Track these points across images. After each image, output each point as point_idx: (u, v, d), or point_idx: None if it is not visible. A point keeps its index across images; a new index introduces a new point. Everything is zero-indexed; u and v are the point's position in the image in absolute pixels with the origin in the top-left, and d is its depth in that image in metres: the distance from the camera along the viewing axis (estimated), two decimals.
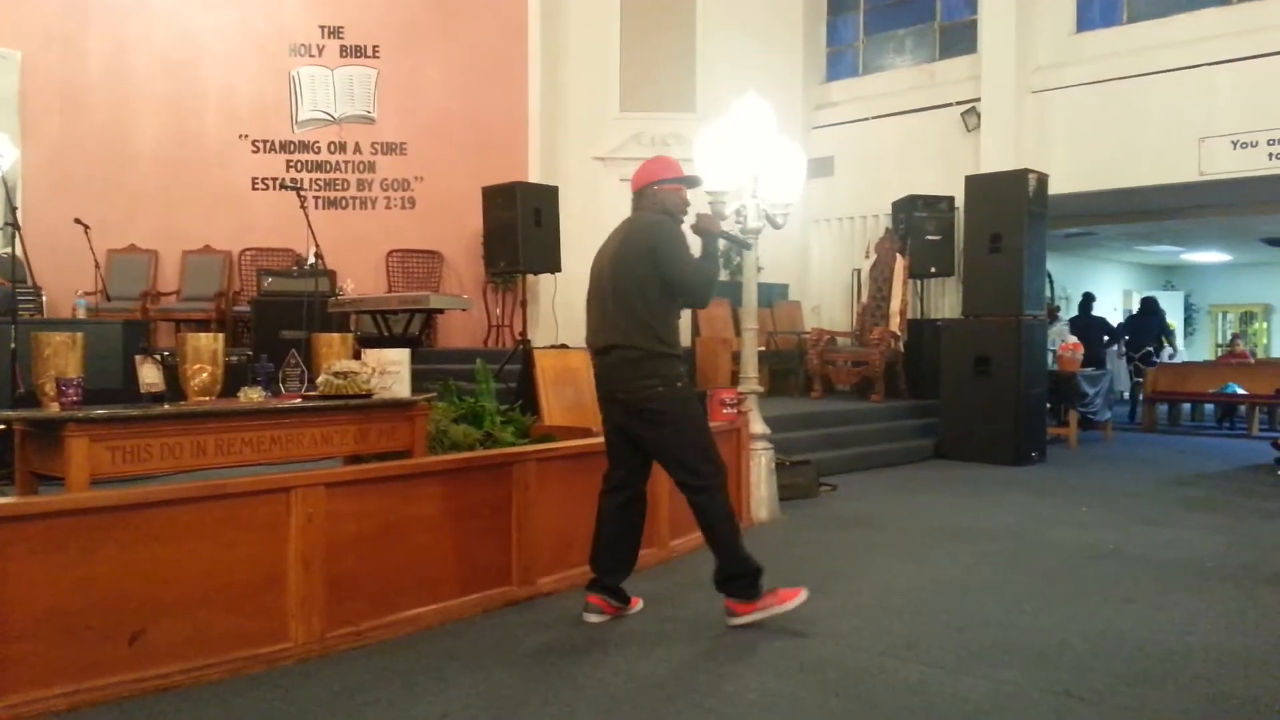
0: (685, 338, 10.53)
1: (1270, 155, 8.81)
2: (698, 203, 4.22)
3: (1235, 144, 8.97)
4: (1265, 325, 18.34)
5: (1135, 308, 18.03)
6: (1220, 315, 18.89)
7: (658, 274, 3.67)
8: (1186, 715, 2.90)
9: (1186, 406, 12.77)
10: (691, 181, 4.03)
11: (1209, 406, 12.67)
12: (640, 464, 3.84)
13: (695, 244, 3.90)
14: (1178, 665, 3.34)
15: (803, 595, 3.77)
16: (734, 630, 3.68)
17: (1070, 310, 14.94)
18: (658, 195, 3.88)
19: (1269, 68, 8.79)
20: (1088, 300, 13.11)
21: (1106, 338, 12.69)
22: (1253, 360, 13.15)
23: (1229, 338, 15.91)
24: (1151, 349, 13.00)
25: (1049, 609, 4.03)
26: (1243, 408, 11.87)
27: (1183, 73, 9.29)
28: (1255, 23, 8.93)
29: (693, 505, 3.72)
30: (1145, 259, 18.12)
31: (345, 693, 3.05)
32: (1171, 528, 5.75)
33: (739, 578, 3.69)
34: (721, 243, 4.08)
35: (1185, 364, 13.62)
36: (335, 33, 11.03)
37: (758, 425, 5.90)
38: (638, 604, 3.93)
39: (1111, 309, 17.71)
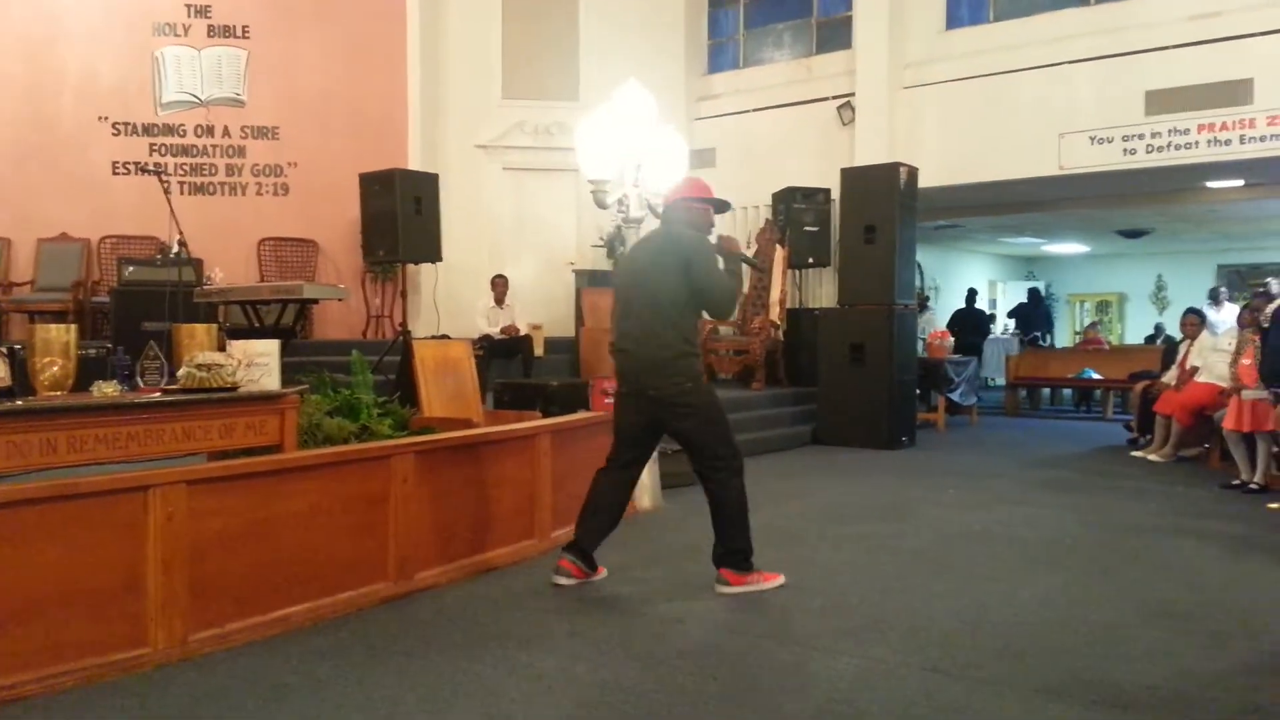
0: (570, 328, 10.66)
1: (1124, 150, 9.27)
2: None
3: (1093, 139, 9.41)
4: (1120, 313, 19.37)
5: (999, 298, 18.99)
6: (1078, 304, 19.85)
7: (688, 283, 4.02)
8: (1048, 687, 3.03)
9: (1046, 391, 13.41)
10: (720, 206, 4.40)
11: (1067, 391, 13.35)
12: (649, 449, 4.43)
13: None
14: (1040, 639, 3.49)
15: (780, 580, 4.15)
16: (614, 616, 3.70)
17: (940, 299, 15.55)
18: (689, 211, 4.27)
19: (1124, 67, 9.24)
20: (972, 295, 14.20)
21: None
22: (1107, 347, 13.87)
23: (1086, 325, 16.75)
24: (1039, 334, 13.92)
25: (918, 588, 4.17)
26: (1099, 392, 12.53)
27: (1045, 70, 9.68)
28: (1112, 23, 9.37)
29: (713, 485, 4.14)
30: (1008, 250, 18.89)
31: (207, 698, 2.93)
32: (1033, 507, 6.02)
33: (740, 553, 4.10)
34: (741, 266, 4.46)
35: (1045, 350, 14.30)
36: (202, 11, 10.57)
37: None
38: (603, 572, 4.25)
39: (977, 299, 18.45)
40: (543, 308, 10.43)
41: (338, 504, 3.78)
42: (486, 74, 11.22)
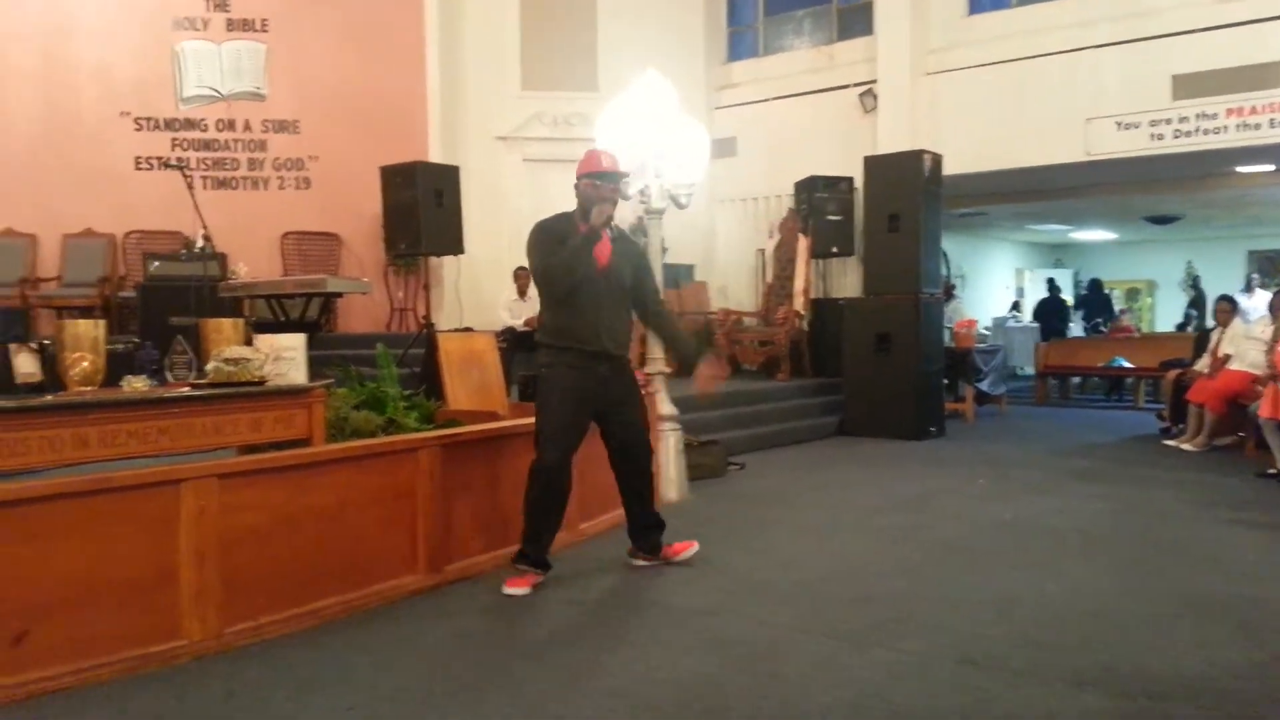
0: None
1: (1152, 136, 9.16)
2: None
3: (1119, 125, 9.30)
4: (1150, 301, 19.15)
5: (1027, 285, 18.86)
6: (1107, 291, 19.66)
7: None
8: (1081, 678, 3.00)
9: (1076, 380, 13.30)
10: (603, 176, 4.09)
11: (1098, 380, 13.22)
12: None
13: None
14: (1071, 630, 3.46)
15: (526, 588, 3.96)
16: (645, 609, 3.69)
17: (967, 287, 15.50)
18: (576, 192, 4.13)
19: (1150, 51, 9.12)
20: (1053, 285, 15.79)
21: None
22: (1138, 334, 13.74)
23: (1116, 313, 16.60)
24: (1100, 320, 14.06)
25: (948, 579, 4.14)
26: (1129, 381, 12.40)
27: (1070, 55, 9.58)
28: (1137, 7, 9.24)
29: None
30: (1035, 237, 18.73)
31: (243, 690, 2.94)
32: (1064, 497, 5.96)
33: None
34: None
35: (1074, 339, 14.19)
36: (221, 5, 10.58)
37: (665, 406, 5.91)
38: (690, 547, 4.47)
39: (1004, 287, 18.32)
40: None
41: (366, 497, 3.79)
42: (505, 65, 11.21)
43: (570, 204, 4.11)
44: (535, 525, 3.99)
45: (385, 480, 3.87)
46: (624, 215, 10.52)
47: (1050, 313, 14.90)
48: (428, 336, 6.91)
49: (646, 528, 4.35)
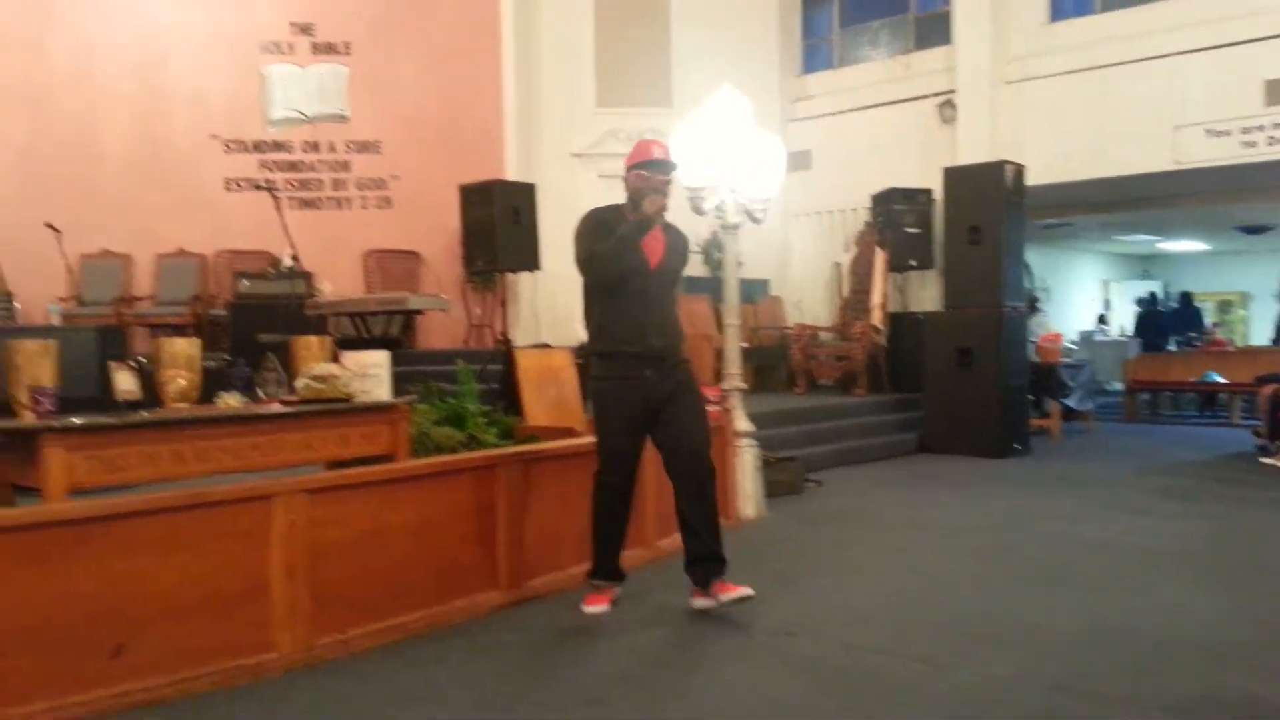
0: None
1: (1243, 143, 8.87)
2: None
3: (1209, 132, 9.03)
4: (1243, 313, 18.48)
5: (1114, 297, 18.37)
6: (1198, 304, 19.01)
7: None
8: (1181, 707, 2.90)
9: (1167, 395, 12.89)
10: (655, 166, 3.87)
11: (1190, 395, 12.79)
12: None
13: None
14: (1169, 656, 3.34)
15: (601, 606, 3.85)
16: (725, 629, 3.67)
17: (1052, 300, 15.15)
18: (625, 184, 3.94)
19: (1240, 56, 8.84)
20: (1153, 297, 15.50)
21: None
22: (1231, 348, 13.25)
23: (1207, 326, 16.05)
24: (1193, 334, 14.01)
25: (1037, 601, 4.03)
26: (1223, 396, 11.97)
27: (1156, 61, 9.33)
28: (1225, 11, 8.98)
29: None
30: (1122, 248, 18.22)
31: (334, 702, 3.00)
32: (1156, 517, 5.77)
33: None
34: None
35: (1165, 353, 13.75)
36: (306, 29, 10.90)
37: (742, 422, 5.88)
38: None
39: (1090, 299, 17.85)
40: None
41: (448, 512, 3.84)
42: (580, 83, 11.32)
43: None
44: (601, 541, 3.91)
45: (467, 496, 3.92)
46: (698, 230, 10.60)
47: (1151, 326, 14.49)
48: (505, 353, 6.99)
49: (701, 559, 3.83)
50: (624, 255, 3.77)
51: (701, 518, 3.80)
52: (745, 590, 3.79)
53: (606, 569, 3.92)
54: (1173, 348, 14.22)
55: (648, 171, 3.84)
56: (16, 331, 7.32)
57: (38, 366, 3.43)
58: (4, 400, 4.13)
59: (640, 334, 3.78)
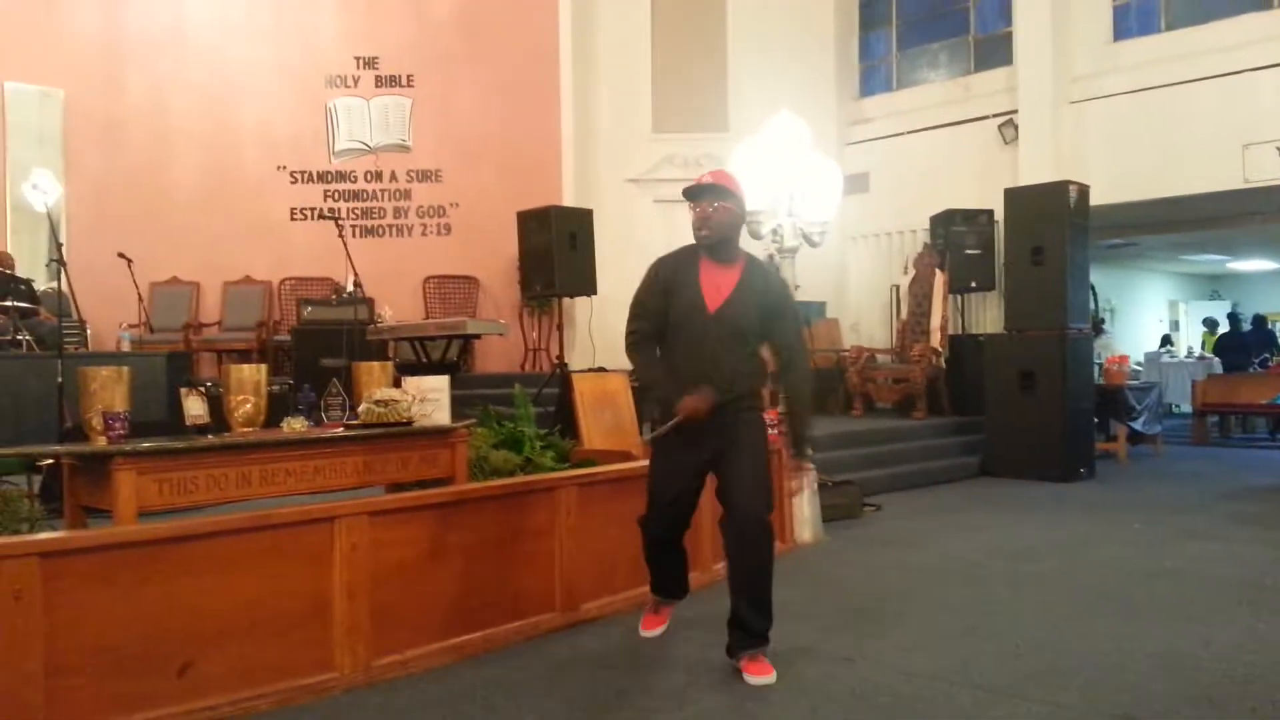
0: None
1: None
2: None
3: None
4: None
5: (1181, 319, 17.95)
6: (1271, 325, 18.46)
7: None
8: None
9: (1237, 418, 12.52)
10: (691, 195, 3.53)
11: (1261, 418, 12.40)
12: None
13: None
14: (1243, 687, 3.23)
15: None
16: (783, 655, 3.63)
17: (1117, 321, 14.84)
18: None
19: None
20: (1234, 317, 14.85)
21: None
22: None
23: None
24: (1268, 355, 13.70)
25: (1103, 629, 3.93)
26: None
27: (1224, 79, 9.15)
28: None
29: None
30: (1190, 268, 17.81)
31: None
32: (1228, 544, 5.60)
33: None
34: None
35: (1235, 375, 13.37)
36: (370, 63, 11.17)
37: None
38: None
39: (1157, 320, 17.45)
40: None
41: (506, 535, 3.87)
42: (636, 109, 11.42)
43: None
44: (652, 565, 3.76)
45: (524, 519, 3.95)
46: (754, 254, 10.59)
47: (1235, 346, 14.04)
48: (562, 376, 7.04)
49: (736, 625, 3.45)
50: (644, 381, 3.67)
51: (745, 583, 3.39)
52: (771, 678, 3.33)
53: (663, 588, 3.81)
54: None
55: (693, 202, 3.52)
56: (90, 358, 7.56)
57: (111, 392, 3.54)
58: (78, 424, 4.27)
59: (696, 382, 3.38)
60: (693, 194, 3.50)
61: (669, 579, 3.77)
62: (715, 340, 3.41)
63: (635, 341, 3.53)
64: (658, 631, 3.79)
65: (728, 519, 3.43)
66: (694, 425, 3.36)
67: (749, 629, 3.40)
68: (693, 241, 3.56)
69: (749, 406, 3.50)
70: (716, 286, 3.45)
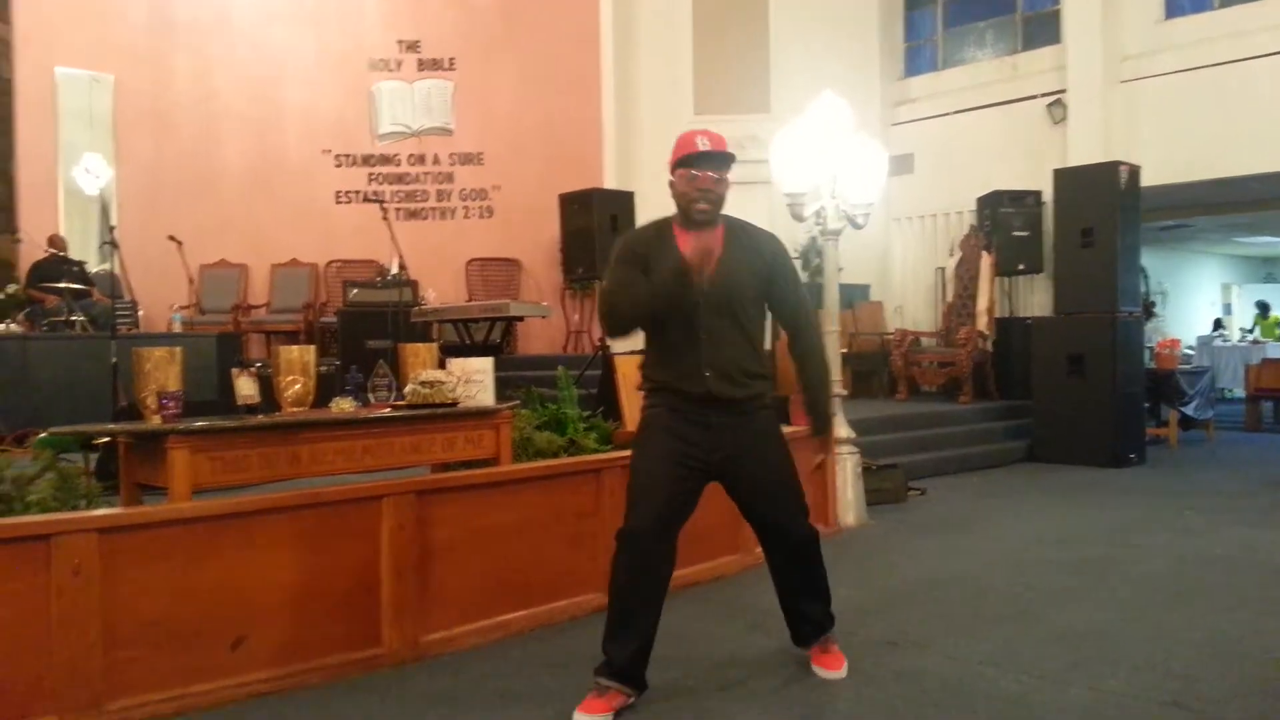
0: (765, 339, 10.54)
1: None
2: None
3: None
4: None
5: (1234, 301, 17.57)
6: None
7: None
8: None
9: None
10: (701, 162, 2.96)
11: None
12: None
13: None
14: None
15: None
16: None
17: (1169, 305, 14.56)
18: (672, 186, 3.05)
19: None
20: None
21: None
22: None
23: None
24: None
25: (1152, 616, 3.88)
26: None
27: (1279, 57, 8.92)
28: None
29: None
30: (1244, 250, 17.44)
31: (440, 698, 3.08)
32: (1278, 531, 5.51)
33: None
34: None
35: None
36: (413, 46, 11.22)
37: (842, 429, 5.82)
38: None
39: (1210, 303, 17.12)
40: None
41: (550, 515, 3.90)
42: (678, 91, 11.37)
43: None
44: (618, 614, 2.94)
45: (569, 499, 3.97)
46: (795, 236, 10.50)
47: None
48: (604, 359, 7.05)
49: (802, 618, 3.27)
50: (642, 311, 2.97)
51: (801, 588, 3.22)
52: (842, 672, 3.19)
53: (619, 663, 2.92)
54: None
55: (695, 169, 2.96)
56: (143, 339, 7.71)
57: (165, 372, 3.59)
58: (131, 403, 4.35)
59: (697, 374, 2.94)
60: (696, 161, 2.95)
61: (633, 642, 2.92)
62: (710, 321, 2.94)
63: (612, 289, 2.99)
64: (601, 718, 2.87)
65: (769, 541, 3.17)
66: (696, 419, 2.96)
67: (811, 618, 3.24)
68: (665, 217, 3.10)
69: (761, 405, 3.07)
70: (698, 256, 2.92)
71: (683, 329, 2.95)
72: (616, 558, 2.96)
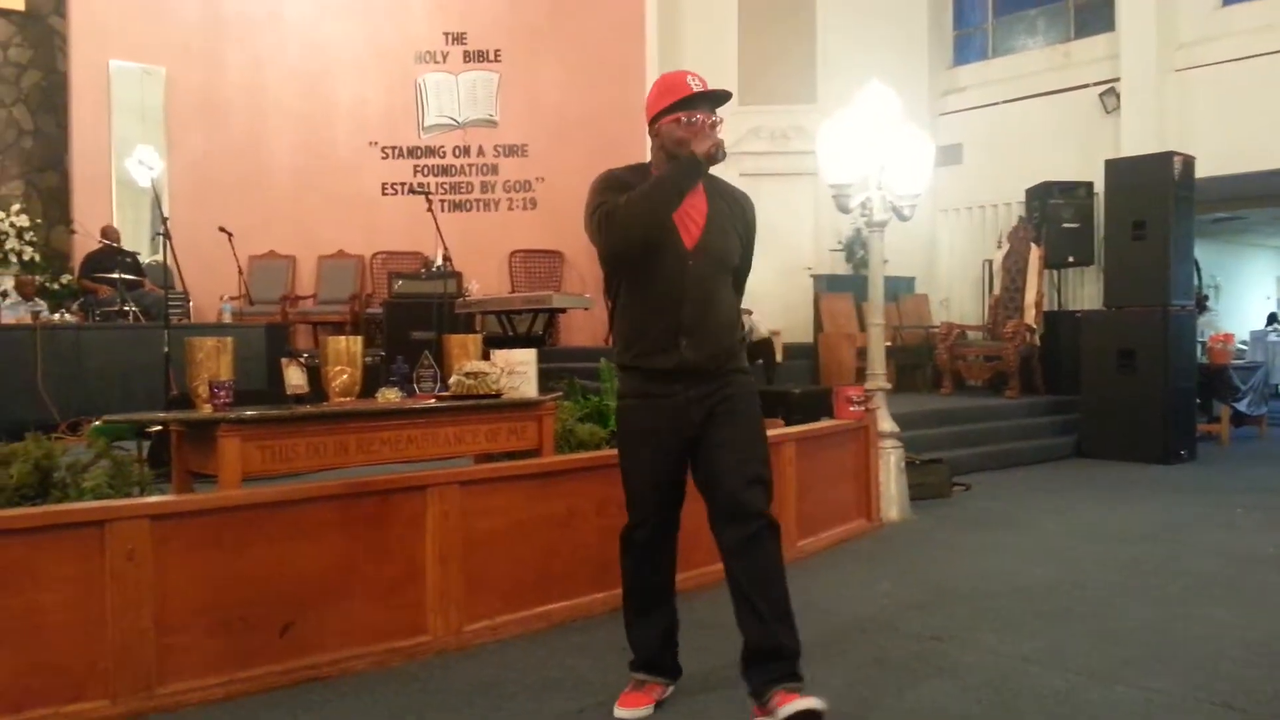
0: (808, 333, 10.50)
1: None
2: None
3: None
4: None
5: None
6: None
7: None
8: None
9: None
10: (695, 103, 2.71)
11: None
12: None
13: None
14: None
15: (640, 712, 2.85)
16: (870, 633, 3.61)
17: (1222, 299, 14.25)
18: (658, 137, 2.79)
19: None
20: None
21: None
22: None
23: None
24: None
25: (1202, 615, 3.81)
26: None
27: None
28: None
29: None
30: None
31: (484, 686, 3.11)
32: None
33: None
34: None
35: None
36: (458, 39, 11.28)
37: (886, 423, 5.78)
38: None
39: (1265, 297, 16.74)
40: (780, 314, 10.37)
41: (592, 507, 3.91)
42: (722, 81, 10.89)
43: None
44: (633, 610, 2.95)
45: (610, 491, 3.96)
46: (840, 227, 10.42)
47: None
48: None
49: (759, 656, 2.69)
50: (659, 208, 2.64)
51: (754, 582, 2.66)
52: (813, 702, 2.56)
53: (645, 657, 2.92)
54: None
55: (686, 115, 2.70)
56: (194, 329, 7.84)
57: (216, 361, 3.66)
58: (183, 392, 4.43)
59: (670, 341, 2.72)
60: (692, 102, 2.70)
61: (654, 632, 2.93)
62: (695, 281, 2.73)
63: (628, 198, 2.68)
64: (642, 712, 2.85)
65: (719, 511, 2.73)
66: (671, 394, 2.74)
67: (776, 650, 2.66)
68: (640, 162, 2.90)
69: (737, 368, 2.83)
70: (687, 213, 2.73)
71: (666, 288, 2.73)
72: (622, 559, 2.97)
